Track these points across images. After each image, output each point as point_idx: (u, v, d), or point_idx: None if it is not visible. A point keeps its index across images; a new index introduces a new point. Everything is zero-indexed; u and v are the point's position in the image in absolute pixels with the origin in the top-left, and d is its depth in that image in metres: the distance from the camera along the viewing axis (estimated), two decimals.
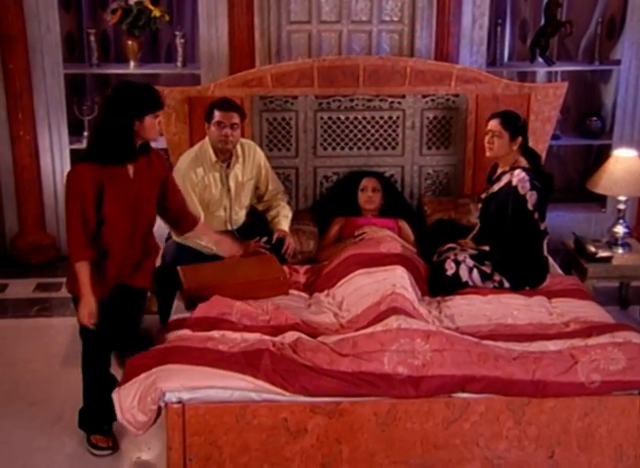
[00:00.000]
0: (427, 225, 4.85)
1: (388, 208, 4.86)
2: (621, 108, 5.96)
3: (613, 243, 4.92)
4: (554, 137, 6.13)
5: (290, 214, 4.65)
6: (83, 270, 3.47)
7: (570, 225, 5.38)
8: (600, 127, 6.17)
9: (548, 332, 3.61)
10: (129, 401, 3.27)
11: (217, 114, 4.35)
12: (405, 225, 4.77)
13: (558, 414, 3.31)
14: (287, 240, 4.50)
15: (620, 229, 4.92)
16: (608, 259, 4.76)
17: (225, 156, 4.46)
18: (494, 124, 4.27)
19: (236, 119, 4.39)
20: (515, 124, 4.25)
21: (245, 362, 3.30)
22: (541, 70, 6.12)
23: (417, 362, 3.28)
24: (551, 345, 3.46)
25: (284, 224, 4.58)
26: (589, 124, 6.18)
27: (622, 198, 4.91)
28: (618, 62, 5.99)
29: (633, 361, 3.30)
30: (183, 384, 3.23)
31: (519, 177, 4.17)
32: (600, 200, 5.95)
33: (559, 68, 6.01)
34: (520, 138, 4.24)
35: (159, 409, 3.28)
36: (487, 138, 4.30)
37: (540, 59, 6.07)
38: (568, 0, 6.19)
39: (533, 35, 6.16)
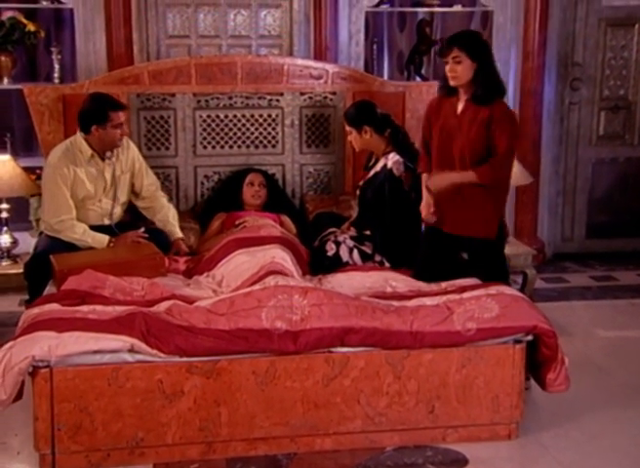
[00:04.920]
0: (309, 220, 4.86)
1: (271, 204, 4.86)
2: None
3: None
4: None
5: (176, 215, 4.60)
6: None
7: None
8: None
9: (426, 292, 3.64)
10: None
11: (114, 116, 4.24)
12: (287, 219, 4.78)
13: (436, 367, 3.32)
14: (182, 247, 4.49)
15: None
16: None
17: (105, 152, 4.39)
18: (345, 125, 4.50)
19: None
20: (355, 117, 4.41)
21: (118, 324, 3.19)
22: None
23: (295, 317, 3.24)
24: (428, 301, 3.49)
25: (177, 230, 4.53)
26: None
27: None
28: None
29: (506, 309, 3.36)
30: (53, 351, 3.08)
31: (394, 160, 4.27)
32: None
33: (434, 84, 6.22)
34: (367, 127, 4.36)
35: (22, 384, 3.12)
36: (348, 138, 4.53)
37: (418, 78, 6.30)
38: (441, 22, 6.50)
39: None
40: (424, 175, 4.01)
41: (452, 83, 3.83)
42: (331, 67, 5.09)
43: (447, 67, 3.81)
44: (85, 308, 3.40)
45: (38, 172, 5.55)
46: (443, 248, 3.95)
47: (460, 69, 3.77)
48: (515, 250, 5.01)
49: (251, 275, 3.72)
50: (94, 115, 4.28)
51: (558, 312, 5.12)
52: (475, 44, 3.84)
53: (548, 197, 6.30)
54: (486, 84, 3.78)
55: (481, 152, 3.78)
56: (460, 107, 3.88)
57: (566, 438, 3.49)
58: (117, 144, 4.37)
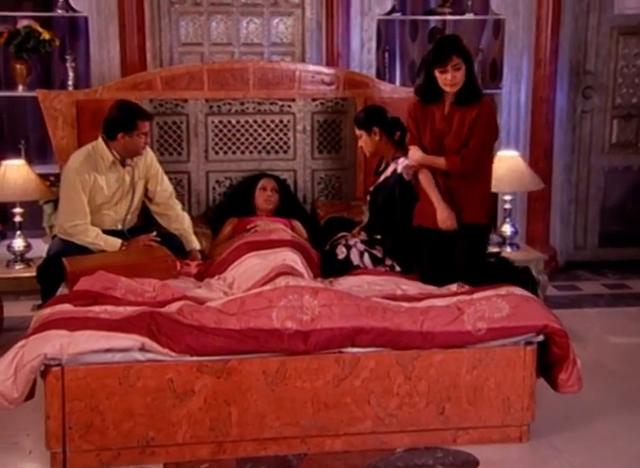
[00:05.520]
0: (320, 225, 4.87)
1: (283, 209, 4.88)
2: (505, 130, 6.20)
3: (501, 242, 5.05)
4: None
5: (191, 223, 4.64)
6: None
7: None
8: None
9: (436, 295, 3.64)
10: (2, 371, 3.07)
11: (141, 124, 4.28)
12: (298, 224, 4.79)
13: (447, 368, 3.31)
14: (198, 257, 4.52)
15: (507, 228, 5.06)
16: (496, 256, 4.86)
17: (126, 158, 4.43)
18: (355, 129, 4.55)
19: None
20: (364, 120, 4.45)
21: (129, 323, 3.20)
22: None
23: (305, 317, 3.24)
24: (438, 302, 3.49)
25: (193, 238, 4.58)
26: None
27: (508, 197, 5.08)
28: (500, 88, 6.28)
29: (516, 309, 3.35)
30: (65, 349, 3.09)
31: (403, 165, 4.28)
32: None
33: None
34: (376, 128, 4.40)
35: (34, 382, 3.13)
36: (358, 143, 4.58)
37: None
38: (453, 30, 6.52)
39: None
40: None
41: (450, 90, 3.90)
42: (342, 73, 5.13)
43: (445, 75, 3.85)
44: (97, 308, 3.41)
45: (52, 179, 5.61)
46: (442, 248, 3.98)
47: (459, 76, 3.86)
48: (526, 255, 5.02)
49: (261, 277, 3.73)
50: (122, 123, 4.30)
51: (570, 319, 5.07)
52: (465, 48, 3.95)
53: (560, 205, 6.28)
54: (471, 85, 3.90)
55: None
56: (446, 110, 3.97)
57: (578, 441, 3.46)
58: (140, 152, 4.40)
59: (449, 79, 3.85)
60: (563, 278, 6.03)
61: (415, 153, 4.01)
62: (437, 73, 3.88)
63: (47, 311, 3.43)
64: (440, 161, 3.94)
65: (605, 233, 6.40)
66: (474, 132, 3.89)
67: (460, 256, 3.95)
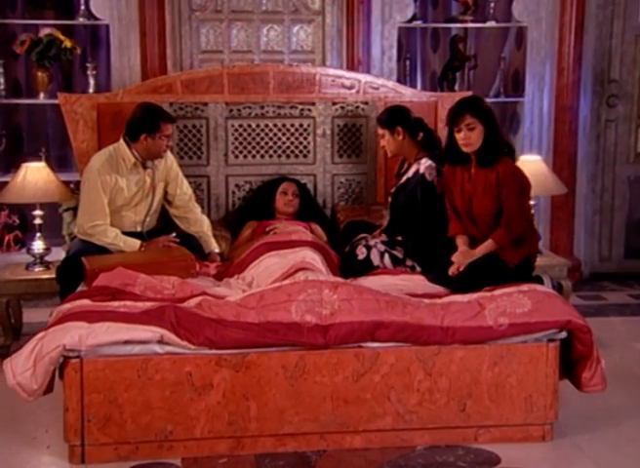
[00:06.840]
0: (340, 229, 4.84)
1: (303, 214, 4.86)
2: (528, 139, 6.15)
3: None
4: None
5: (210, 226, 4.64)
6: None
7: None
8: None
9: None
10: (21, 362, 3.09)
11: (164, 127, 4.30)
12: (318, 228, 4.77)
13: (468, 364, 3.27)
14: (217, 260, 4.49)
15: None
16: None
17: (147, 160, 4.43)
18: (377, 128, 4.52)
19: None
20: (387, 119, 4.42)
21: (148, 316, 3.19)
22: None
23: (325, 311, 3.21)
24: (459, 298, 3.45)
25: (212, 240, 4.57)
26: None
27: (531, 202, 5.01)
28: (522, 96, 6.22)
29: (539, 304, 3.31)
30: (83, 340, 3.08)
31: (426, 165, 4.25)
32: None
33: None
34: (400, 128, 4.36)
35: (53, 374, 3.12)
36: (380, 143, 4.54)
37: None
38: (475, 38, 6.51)
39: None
40: (457, 239, 4.01)
41: (465, 150, 3.88)
42: (363, 77, 5.12)
43: (460, 135, 3.85)
44: (115, 303, 3.40)
45: (72, 186, 5.63)
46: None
47: (474, 136, 3.83)
48: (549, 261, 4.95)
49: (281, 274, 3.71)
50: (145, 124, 4.31)
51: (595, 326, 4.89)
52: (484, 108, 3.91)
53: (585, 216, 6.21)
54: (491, 147, 3.84)
55: (500, 212, 3.87)
56: (472, 172, 3.93)
57: (603, 441, 3.40)
58: (161, 155, 4.41)
59: (462, 138, 3.84)
60: (588, 288, 5.96)
61: (466, 258, 3.87)
62: (455, 133, 3.88)
63: (66, 306, 3.43)
64: (489, 245, 3.85)
65: (631, 244, 6.30)
66: (505, 197, 3.82)
67: (467, 269, 3.83)
